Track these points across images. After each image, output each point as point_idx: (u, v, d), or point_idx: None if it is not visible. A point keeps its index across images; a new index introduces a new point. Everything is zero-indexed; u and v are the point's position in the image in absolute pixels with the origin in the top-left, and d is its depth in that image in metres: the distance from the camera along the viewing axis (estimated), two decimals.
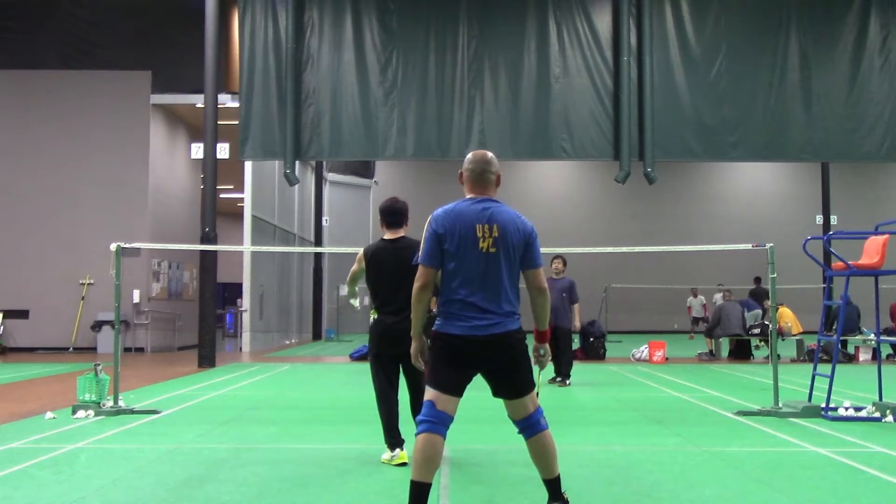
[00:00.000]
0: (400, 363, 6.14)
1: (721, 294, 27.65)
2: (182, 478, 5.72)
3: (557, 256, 12.43)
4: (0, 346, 19.50)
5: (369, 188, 32.57)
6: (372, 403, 6.41)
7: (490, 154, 4.48)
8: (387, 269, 6.13)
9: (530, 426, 4.29)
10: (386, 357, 6.15)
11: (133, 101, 20.39)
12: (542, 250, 4.51)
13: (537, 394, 4.49)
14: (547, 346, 4.48)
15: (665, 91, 16.97)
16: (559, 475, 4.38)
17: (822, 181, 27.10)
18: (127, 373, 12.52)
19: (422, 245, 4.34)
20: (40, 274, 20.00)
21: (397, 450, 6.06)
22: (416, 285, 4.29)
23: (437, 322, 4.31)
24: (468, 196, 4.37)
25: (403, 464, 5.97)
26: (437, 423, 4.14)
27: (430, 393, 4.20)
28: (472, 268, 4.20)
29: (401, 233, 6.30)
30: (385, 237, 6.31)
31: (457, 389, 4.23)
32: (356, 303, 7.20)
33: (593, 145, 17.01)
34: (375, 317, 6.23)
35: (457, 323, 4.19)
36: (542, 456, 4.32)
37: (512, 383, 4.28)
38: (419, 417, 4.18)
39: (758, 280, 22.90)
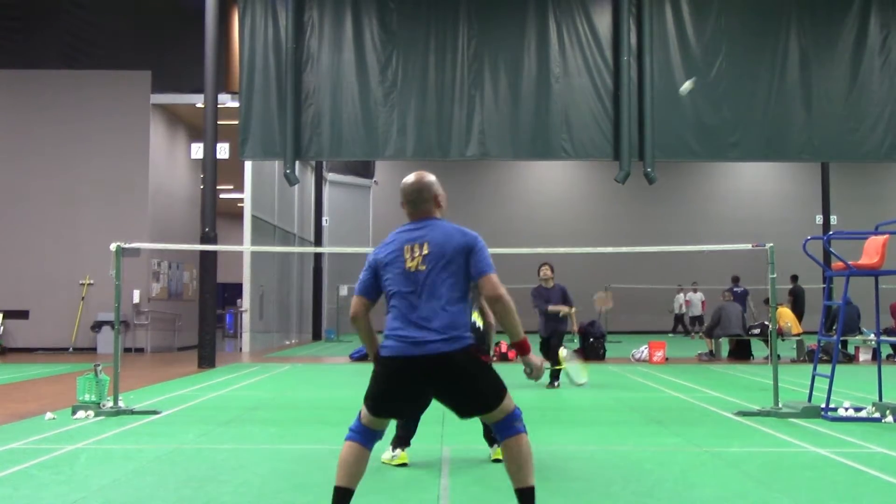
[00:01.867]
0: None
1: (696, 292, 28.03)
2: (182, 478, 5.72)
3: (544, 263, 12.36)
4: (0, 347, 19.50)
5: (369, 188, 32.56)
6: None
7: (421, 176, 4.28)
8: None
9: (504, 429, 4.06)
10: None
11: (133, 101, 20.39)
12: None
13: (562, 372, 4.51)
14: (531, 357, 4.16)
15: (665, 91, 16.97)
16: (533, 487, 4.06)
17: (822, 181, 27.10)
18: (127, 373, 12.53)
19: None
20: (40, 274, 19.99)
21: (398, 450, 6.06)
22: (350, 313, 4.29)
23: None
24: (407, 223, 4.27)
25: (403, 464, 5.98)
26: (362, 435, 4.13)
27: (363, 409, 4.14)
28: (400, 287, 4.08)
29: None
30: None
31: (392, 414, 4.24)
32: None
33: (593, 145, 17.01)
34: None
35: (389, 343, 4.05)
36: (514, 461, 4.04)
37: (471, 404, 4.10)
38: (350, 425, 4.17)
39: (795, 278, 22.89)
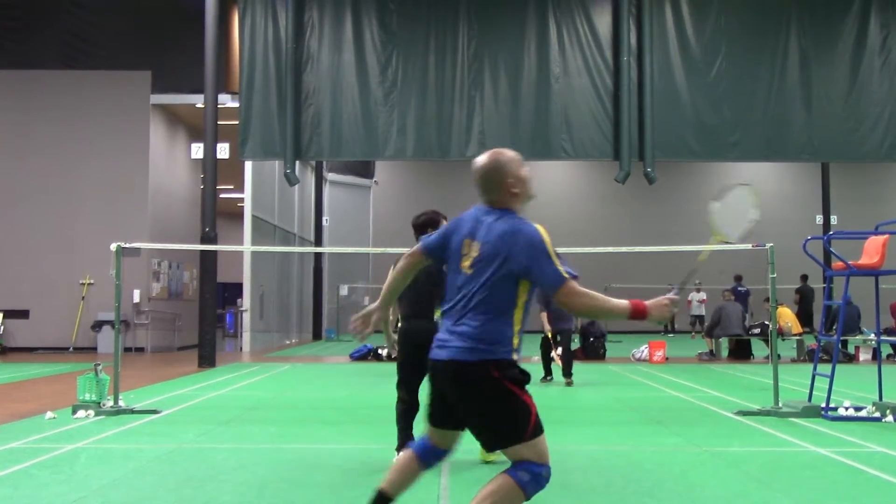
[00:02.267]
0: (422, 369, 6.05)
1: (698, 292, 28.07)
2: (182, 478, 5.72)
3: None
4: (0, 346, 19.50)
5: (369, 188, 32.56)
6: (371, 403, 6.42)
7: (492, 157, 3.69)
8: None
9: (509, 469, 3.51)
10: (407, 364, 6.05)
11: (133, 101, 20.39)
12: None
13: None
14: (655, 312, 3.58)
15: (665, 91, 16.98)
16: None
17: (822, 181, 27.11)
18: (127, 373, 12.52)
19: None
20: (40, 274, 19.99)
21: (401, 453, 5.98)
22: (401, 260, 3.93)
23: None
24: (482, 206, 3.74)
25: None
26: (420, 447, 3.76)
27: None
28: (451, 285, 3.65)
29: None
30: None
31: (438, 421, 3.72)
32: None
33: (593, 145, 17.01)
34: (400, 324, 6.18)
35: (434, 347, 3.67)
36: (487, 493, 3.46)
37: (478, 430, 3.57)
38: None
39: (804, 278, 22.83)
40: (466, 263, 3.57)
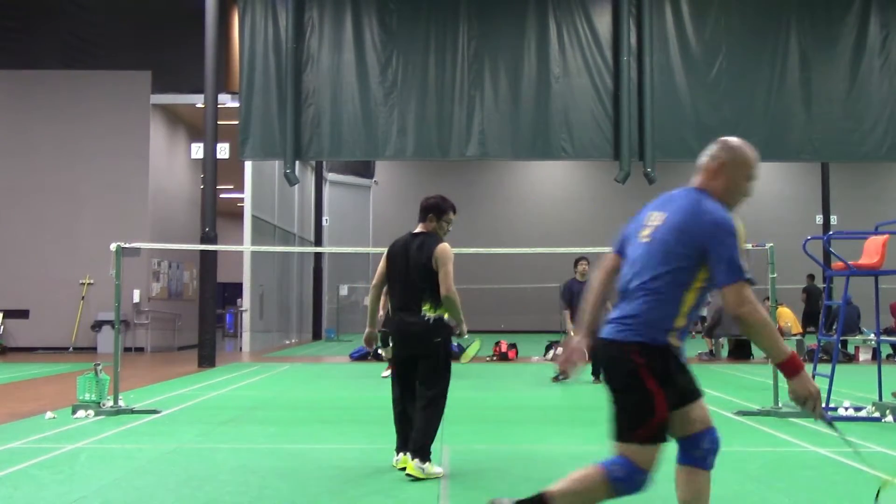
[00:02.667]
0: (413, 363, 5.87)
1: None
2: (182, 478, 5.72)
3: (583, 258, 12.36)
4: (0, 346, 19.50)
5: (369, 188, 32.57)
6: (371, 403, 6.42)
7: (720, 140, 3.56)
8: (394, 260, 5.95)
9: (605, 461, 3.32)
10: (398, 359, 5.96)
11: (133, 101, 20.39)
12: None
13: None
14: (796, 381, 3.15)
15: (665, 91, 16.99)
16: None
17: (822, 181, 27.12)
18: (127, 373, 12.52)
19: None
20: (40, 274, 19.99)
21: (399, 454, 5.94)
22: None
23: None
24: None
25: (403, 469, 5.84)
26: (678, 450, 3.47)
27: None
28: (629, 255, 3.48)
29: (423, 228, 6.00)
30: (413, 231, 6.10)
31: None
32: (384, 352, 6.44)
33: (593, 145, 17.02)
34: (392, 317, 6.05)
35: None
36: (569, 476, 3.38)
37: (612, 412, 3.34)
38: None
39: (811, 277, 22.78)
40: (645, 232, 3.39)
